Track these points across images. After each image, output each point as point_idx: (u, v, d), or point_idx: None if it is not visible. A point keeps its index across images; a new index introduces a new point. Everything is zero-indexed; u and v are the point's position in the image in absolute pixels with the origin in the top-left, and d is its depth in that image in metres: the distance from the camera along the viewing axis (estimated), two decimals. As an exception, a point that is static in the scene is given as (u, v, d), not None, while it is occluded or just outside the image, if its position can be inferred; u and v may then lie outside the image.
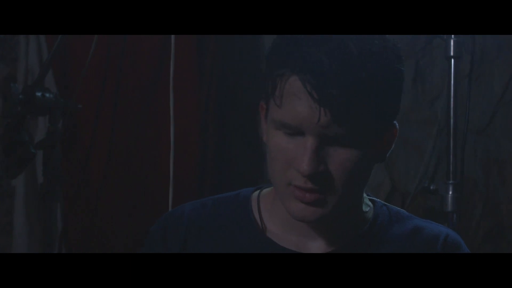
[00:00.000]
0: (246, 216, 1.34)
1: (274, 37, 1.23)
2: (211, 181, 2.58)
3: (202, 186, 2.57)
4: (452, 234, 1.33)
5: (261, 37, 2.58)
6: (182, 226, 1.34)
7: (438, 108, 2.75)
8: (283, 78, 1.19)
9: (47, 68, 2.02)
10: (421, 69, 2.79)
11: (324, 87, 1.16)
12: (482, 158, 2.83)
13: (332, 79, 1.16)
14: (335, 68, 1.16)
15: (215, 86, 2.58)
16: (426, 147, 2.77)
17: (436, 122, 2.76)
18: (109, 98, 2.50)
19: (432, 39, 2.70)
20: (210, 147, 2.58)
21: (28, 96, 1.90)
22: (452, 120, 2.21)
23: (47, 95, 1.92)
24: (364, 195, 1.34)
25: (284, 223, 1.30)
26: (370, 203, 1.35)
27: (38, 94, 1.91)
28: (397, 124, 1.27)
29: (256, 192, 1.37)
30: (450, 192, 2.19)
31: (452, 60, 2.21)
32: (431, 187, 2.24)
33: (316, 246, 1.30)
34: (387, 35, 1.22)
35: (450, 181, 2.20)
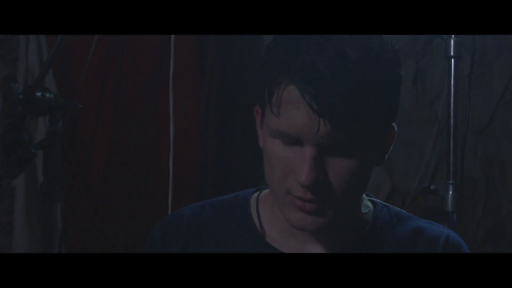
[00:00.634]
0: (246, 220, 1.33)
1: (272, 37, 1.22)
2: (211, 181, 2.58)
3: (202, 186, 2.57)
4: (453, 235, 1.33)
5: (261, 37, 2.58)
6: (182, 230, 1.34)
7: (438, 108, 2.76)
8: (281, 86, 1.17)
9: (47, 68, 2.02)
10: (421, 69, 2.79)
11: (323, 97, 1.13)
12: (482, 158, 2.83)
13: (331, 88, 1.13)
14: (334, 77, 1.13)
15: (215, 86, 2.58)
16: (426, 147, 2.77)
17: (436, 122, 2.76)
18: (109, 98, 2.50)
19: (432, 39, 2.70)
20: (210, 147, 2.58)
21: (28, 96, 1.90)
22: (452, 120, 2.21)
23: (47, 95, 1.92)
24: (364, 195, 1.34)
25: (284, 227, 1.29)
26: (369, 204, 1.34)
27: (38, 94, 1.91)
28: (395, 126, 1.26)
29: (256, 194, 1.36)
30: (450, 192, 2.19)
31: (452, 60, 2.21)
32: (431, 187, 2.24)
33: (316, 250, 1.29)
34: (384, 37, 1.21)
35: (450, 181, 2.20)
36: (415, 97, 2.78)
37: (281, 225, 1.29)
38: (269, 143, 1.21)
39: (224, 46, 2.59)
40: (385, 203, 1.36)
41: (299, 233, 1.28)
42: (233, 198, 1.37)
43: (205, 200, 1.40)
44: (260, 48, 2.61)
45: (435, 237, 1.31)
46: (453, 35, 2.20)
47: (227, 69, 2.62)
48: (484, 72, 2.81)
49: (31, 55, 2.57)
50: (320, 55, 1.14)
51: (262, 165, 1.25)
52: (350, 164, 1.19)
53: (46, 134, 1.97)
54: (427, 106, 2.80)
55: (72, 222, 2.54)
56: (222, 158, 2.60)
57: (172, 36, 2.41)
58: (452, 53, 2.21)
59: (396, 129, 1.27)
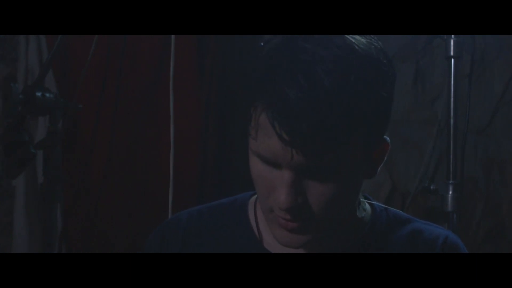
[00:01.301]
0: (243, 225, 1.32)
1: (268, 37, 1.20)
2: (211, 181, 2.58)
3: (202, 186, 2.57)
4: (451, 236, 1.31)
5: (261, 37, 2.58)
6: (179, 235, 1.33)
7: (438, 108, 2.76)
8: (256, 110, 1.14)
9: (47, 68, 2.02)
10: (421, 69, 2.79)
11: (293, 126, 1.09)
12: (482, 158, 2.83)
13: (301, 117, 1.08)
14: (305, 107, 1.08)
15: (215, 86, 2.58)
16: (426, 147, 2.77)
17: (436, 122, 2.76)
18: (109, 98, 2.50)
19: (432, 39, 2.70)
20: (210, 147, 2.58)
21: (28, 96, 1.90)
22: (452, 120, 2.21)
23: (47, 95, 1.92)
24: (362, 198, 1.32)
25: None
26: (367, 207, 1.32)
27: (38, 94, 1.91)
28: (387, 139, 1.21)
29: (253, 198, 1.35)
30: (450, 192, 2.19)
31: (452, 60, 2.21)
32: (431, 187, 2.24)
33: None
34: (372, 50, 1.15)
35: (450, 181, 2.20)
36: (415, 97, 2.78)
37: None
38: (252, 161, 1.20)
39: (224, 46, 2.59)
40: (385, 206, 1.34)
41: None
42: (230, 202, 1.36)
43: (203, 204, 1.39)
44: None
45: (433, 239, 1.30)
46: (453, 35, 2.20)
47: (227, 69, 2.62)
48: (484, 72, 2.81)
49: (31, 55, 2.57)
50: (292, 82, 1.10)
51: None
52: (330, 186, 1.16)
53: (46, 134, 1.97)
54: (427, 106, 2.80)
55: (72, 222, 2.54)
56: (222, 158, 2.60)
57: (172, 36, 2.41)
58: (452, 53, 2.21)
59: (389, 141, 1.21)
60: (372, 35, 1.19)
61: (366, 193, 1.35)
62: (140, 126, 2.58)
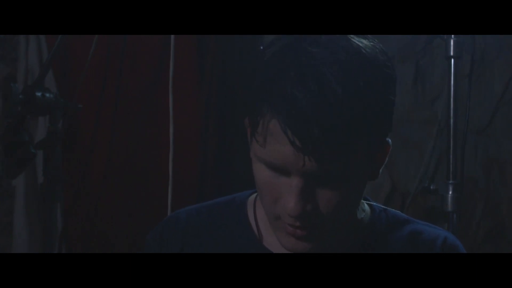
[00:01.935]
0: (242, 224, 1.32)
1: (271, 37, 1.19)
2: (211, 181, 2.58)
3: (202, 186, 2.57)
4: (450, 237, 1.31)
5: (261, 37, 2.58)
6: (178, 234, 1.32)
7: (438, 108, 2.75)
8: (265, 118, 1.13)
9: (47, 68, 2.02)
10: (421, 69, 2.79)
11: (305, 132, 1.09)
12: (482, 158, 2.83)
13: (313, 123, 1.08)
14: (317, 112, 1.08)
15: (215, 86, 2.58)
16: (426, 147, 2.77)
17: (436, 122, 2.76)
18: (109, 98, 2.50)
19: (432, 39, 2.70)
20: (210, 147, 2.58)
21: (28, 96, 1.90)
22: (452, 120, 2.21)
23: (47, 95, 1.92)
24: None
25: None
26: (366, 208, 1.32)
27: (38, 94, 1.91)
28: (389, 141, 1.22)
29: (252, 196, 1.34)
30: (450, 192, 2.19)
31: (452, 60, 2.21)
32: (431, 187, 2.24)
33: None
34: (379, 56, 1.15)
35: (450, 181, 2.20)
36: (415, 97, 2.78)
37: None
38: (256, 168, 1.19)
39: (224, 46, 2.59)
40: (384, 207, 1.34)
41: None
42: (229, 200, 1.36)
43: (202, 202, 1.38)
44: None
45: (433, 239, 1.30)
46: (453, 35, 2.20)
47: (227, 69, 2.62)
48: (484, 72, 2.81)
49: (31, 55, 2.57)
50: (302, 88, 1.09)
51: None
52: (339, 191, 1.16)
53: (46, 134, 1.97)
54: (427, 106, 2.80)
55: (72, 222, 2.54)
56: (222, 158, 2.60)
57: (172, 36, 2.41)
58: (452, 53, 2.21)
59: (390, 144, 1.22)
60: (370, 36, 1.19)
61: (366, 193, 1.34)
62: (140, 126, 2.58)
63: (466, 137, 2.30)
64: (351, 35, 1.16)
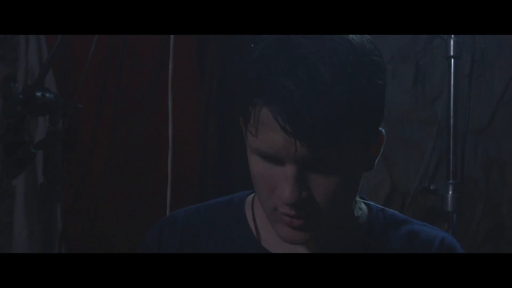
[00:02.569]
0: (241, 224, 1.32)
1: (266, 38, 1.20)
2: (211, 181, 2.58)
3: (202, 186, 2.57)
4: (448, 238, 1.31)
5: (261, 37, 2.58)
6: (176, 234, 1.33)
7: (438, 108, 2.76)
8: (256, 108, 1.15)
9: (47, 68, 2.02)
10: (421, 69, 2.79)
11: (296, 118, 1.11)
12: (482, 158, 2.83)
13: (303, 109, 1.10)
14: (307, 99, 1.10)
15: (215, 86, 2.58)
16: (426, 147, 2.78)
17: (436, 122, 2.76)
18: (109, 98, 2.50)
19: (432, 39, 2.70)
20: (210, 147, 2.58)
21: (28, 96, 1.90)
22: (452, 120, 2.21)
23: (47, 95, 1.92)
24: (358, 198, 1.32)
25: None
26: (363, 207, 1.32)
27: (38, 94, 1.91)
28: (383, 130, 1.23)
29: (251, 196, 1.35)
30: (450, 192, 2.19)
31: (452, 60, 2.21)
32: (431, 187, 2.24)
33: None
34: (365, 44, 1.17)
35: (450, 181, 2.20)
36: (415, 97, 2.78)
37: None
38: (252, 160, 1.20)
39: (224, 46, 2.59)
40: (381, 207, 1.34)
41: None
42: (228, 200, 1.36)
43: (202, 202, 1.39)
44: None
45: (430, 240, 1.30)
46: (453, 35, 2.20)
47: (227, 69, 2.62)
48: (484, 72, 2.81)
49: (31, 55, 2.57)
50: (292, 76, 1.11)
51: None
52: (333, 179, 1.17)
53: (46, 134, 1.97)
54: (427, 106, 2.80)
55: (72, 222, 2.54)
56: (222, 158, 2.60)
57: (172, 36, 2.41)
58: (452, 53, 2.21)
59: (384, 133, 1.23)
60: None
61: (365, 193, 1.35)
62: (140, 126, 2.58)
63: (466, 137, 2.30)
64: None
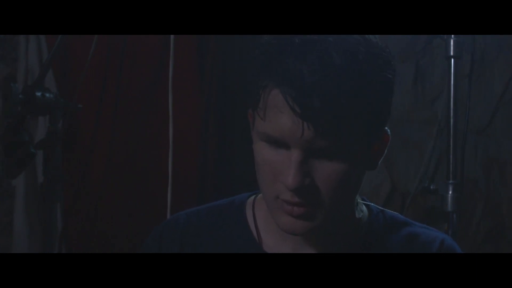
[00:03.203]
0: (241, 226, 1.32)
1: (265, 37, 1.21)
2: (212, 181, 2.58)
3: (202, 186, 2.57)
4: (447, 239, 1.32)
5: (261, 37, 2.58)
6: (177, 236, 1.33)
7: (438, 108, 2.76)
8: (266, 90, 1.16)
9: (47, 68, 2.02)
10: (421, 69, 2.79)
11: (305, 100, 1.13)
12: (482, 158, 2.83)
13: (313, 92, 1.12)
14: (317, 81, 1.12)
15: (215, 86, 2.58)
16: (426, 147, 2.78)
17: (436, 122, 2.76)
18: (109, 98, 2.50)
19: (432, 39, 2.70)
20: (210, 147, 2.58)
21: (28, 96, 1.90)
22: (452, 120, 2.21)
23: (47, 95, 1.92)
24: (359, 199, 1.32)
25: (278, 233, 1.27)
26: (364, 209, 1.32)
27: (38, 94, 1.91)
28: (388, 131, 1.24)
29: (251, 198, 1.35)
30: (450, 192, 2.19)
31: (452, 60, 2.21)
32: (431, 187, 2.24)
33: None
34: (373, 38, 1.19)
35: (450, 181, 2.20)
36: (415, 97, 2.79)
37: (276, 231, 1.27)
38: (258, 147, 1.21)
39: (224, 46, 2.59)
40: (381, 208, 1.35)
41: (294, 240, 1.27)
42: (228, 202, 1.36)
43: (202, 204, 1.39)
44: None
45: (430, 242, 1.30)
46: (453, 35, 2.20)
47: (227, 69, 2.62)
48: (484, 72, 2.81)
49: (31, 55, 2.57)
50: (304, 59, 1.14)
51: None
52: (337, 168, 1.18)
53: (46, 134, 1.97)
54: (427, 106, 2.80)
55: (72, 222, 2.54)
56: (222, 158, 2.60)
57: (172, 36, 2.41)
58: (452, 53, 2.21)
59: (389, 134, 1.24)
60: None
61: (365, 193, 1.35)
62: (140, 126, 2.59)
63: (466, 137, 2.30)
64: None
